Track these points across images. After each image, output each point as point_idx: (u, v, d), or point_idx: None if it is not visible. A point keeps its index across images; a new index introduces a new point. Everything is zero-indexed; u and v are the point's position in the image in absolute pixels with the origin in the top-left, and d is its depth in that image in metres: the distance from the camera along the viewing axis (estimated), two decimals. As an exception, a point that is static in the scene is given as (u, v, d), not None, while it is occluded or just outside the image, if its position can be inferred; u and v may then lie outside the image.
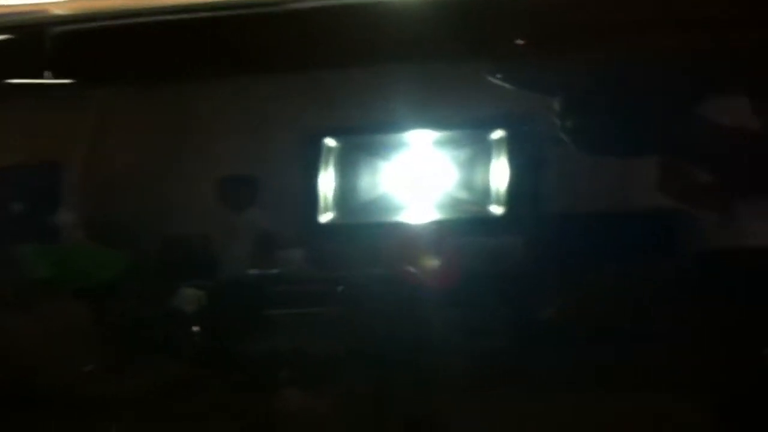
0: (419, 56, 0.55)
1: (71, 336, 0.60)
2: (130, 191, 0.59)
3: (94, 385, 0.59)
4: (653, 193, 0.51)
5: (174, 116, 0.59)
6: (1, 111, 0.62)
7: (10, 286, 0.60)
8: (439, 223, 0.54)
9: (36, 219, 0.60)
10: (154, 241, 0.58)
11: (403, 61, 0.55)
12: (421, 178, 0.54)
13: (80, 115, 0.59)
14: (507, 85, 0.53)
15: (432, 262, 0.54)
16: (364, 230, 0.55)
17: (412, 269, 0.53)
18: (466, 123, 0.55)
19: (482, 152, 0.53)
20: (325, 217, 0.54)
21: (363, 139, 0.55)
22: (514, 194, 0.52)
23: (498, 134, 0.52)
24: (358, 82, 0.56)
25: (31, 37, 0.59)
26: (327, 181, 0.54)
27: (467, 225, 0.54)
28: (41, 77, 0.58)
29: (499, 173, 0.52)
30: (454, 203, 0.53)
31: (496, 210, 0.52)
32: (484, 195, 0.52)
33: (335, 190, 0.54)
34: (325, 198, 0.54)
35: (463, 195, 0.53)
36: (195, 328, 0.57)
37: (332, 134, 0.55)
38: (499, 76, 0.53)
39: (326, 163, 0.54)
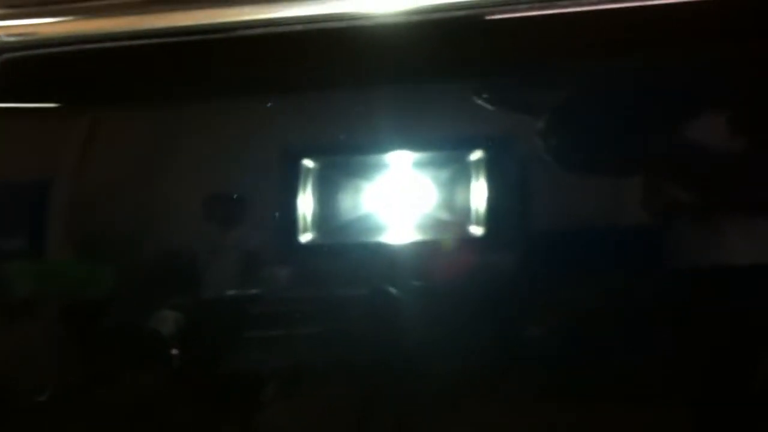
0: (399, 77, 0.55)
1: (50, 353, 0.59)
2: (113, 211, 0.58)
3: (69, 405, 0.58)
4: (634, 210, 0.52)
5: (157, 138, 0.59)
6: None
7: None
8: (419, 244, 0.54)
9: (17, 236, 0.60)
10: (134, 261, 0.58)
11: (383, 82, 0.56)
12: (402, 198, 0.54)
13: (67, 134, 0.59)
14: (487, 106, 0.53)
15: (413, 283, 0.54)
16: (345, 251, 0.55)
17: (392, 289, 0.53)
18: (445, 144, 0.55)
19: (462, 173, 0.53)
20: (305, 238, 0.54)
21: (344, 160, 0.55)
22: (494, 214, 0.52)
23: (477, 155, 0.53)
24: (338, 103, 0.56)
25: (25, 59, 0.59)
26: (307, 202, 0.54)
27: (448, 245, 0.54)
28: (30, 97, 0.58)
29: (479, 194, 0.52)
30: (435, 223, 0.54)
31: (477, 230, 0.52)
32: (465, 215, 0.53)
33: (316, 211, 0.54)
34: (306, 218, 0.54)
35: (443, 215, 0.53)
36: (174, 351, 0.56)
37: (313, 155, 0.55)
38: (479, 96, 0.53)
39: (307, 184, 0.54)
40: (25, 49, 0.58)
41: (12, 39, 0.58)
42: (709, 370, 0.51)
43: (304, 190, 0.54)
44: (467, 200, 0.53)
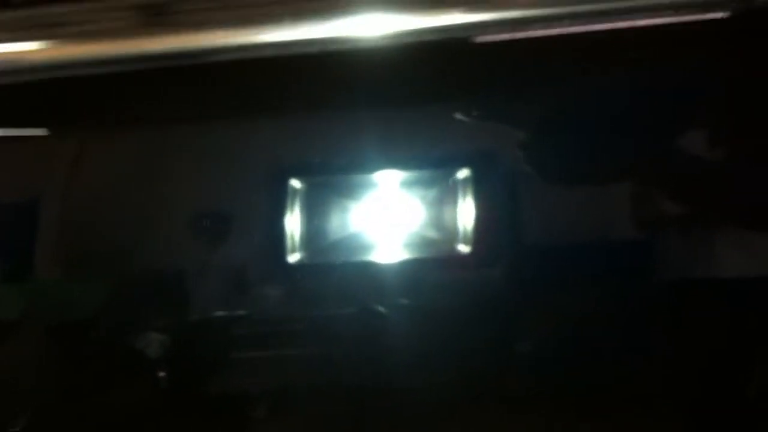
0: (385, 98, 0.56)
1: (34, 374, 0.58)
2: (100, 232, 0.58)
3: (53, 427, 0.57)
4: (622, 223, 0.53)
5: (145, 159, 0.58)
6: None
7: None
8: (407, 262, 0.54)
9: (2, 257, 0.59)
10: (121, 281, 0.57)
11: (370, 103, 0.56)
12: (389, 217, 0.54)
13: (53, 156, 0.59)
14: (471, 124, 0.54)
15: (401, 301, 0.54)
16: (333, 270, 0.55)
17: (381, 308, 0.53)
18: (431, 163, 0.55)
19: (448, 191, 0.54)
20: (293, 257, 0.54)
21: (331, 179, 0.56)
22: (481, 232, 0.53)
23: (464, 173, 0.53)
24: (326, 123, 0.57)
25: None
26: (295, 222, 0.54)
27: (435, 263, 0.54)
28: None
29: (466, 211, 0.53)
30: (422, 242, 0.54)
31: (464, 248, 0.53)
32: (452, 233, 0.53)
33: (304, 231, 0.54)
34: (294, 238, 0.54)
35: (430, 233, 0.54)
36: (161, 373, 0.56)
37: (300, 175, 0.55)
38: (463, 115, 0.54)
39: (295, 204, 0.54)
40: (9, 74, 0.58)
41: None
42: (698, 379, 0.52)
43: (292, 210, 0.55)
44: (454, 218, 0.53)
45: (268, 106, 0.58)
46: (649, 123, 0.53)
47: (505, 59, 0.56)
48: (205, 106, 0.58)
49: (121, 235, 0.58)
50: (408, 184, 0.55)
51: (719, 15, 0.52)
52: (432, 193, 0.54)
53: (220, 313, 0.56)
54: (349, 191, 0.55)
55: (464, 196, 0.53)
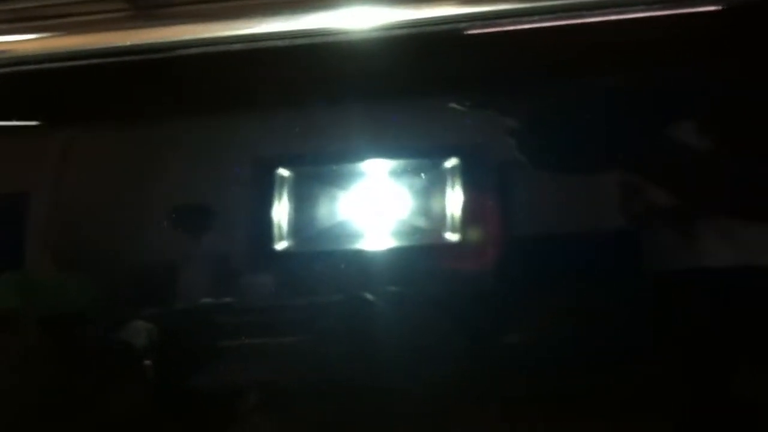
0: (373, 87, 0.56)
1: (23, 366, 0.58)
2: (88, 224, 0.58)
3: (42, 417, 0.57)
4: (612, 215, 0.53)
5: (133, 151, 0.58)
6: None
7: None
8: (395, 250, 0.54)
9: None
10: (109, 273, 0.57)
11: (358, 92, 0.56)
12: (377, 206, 0.55)
13: (42, 150, 0.59)
14: (460, 113, 0.54)
15: (389, 289, 0.54)
16: (321, 258, 0.55)
17: (369, 296, 0.54)
18: (420, 151, 0.56)
19: (437, 179, 0.54)
20: (281, 246, 0.54)
21: (319, 168, 0.56)
22: (469, 220, 0.53)
23: (452, 162, 0.54)
24: (314, 112, 0.57)
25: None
26: (283, 211, 0.54)
27: (423, 251, 0.54)
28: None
29: (454, 200, 0.53)
30: (410, 230, 0.54)
31: (452, 236, 0.53)
32: (440, 221, 0.53)
33: (292, 219, 0.54)
34: (281, 227, 0.54)
35: (418, 222, 0.54)
36: (147, 362, 0.56)
37: (288, 164, 0.55)
38: (452, 104, 0.54)
39: (282, 193, 0.54)
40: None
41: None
42: (687, 374, 0.52)
43: (280, 198, 0.55)
44: (442, 206, 0.53)
45: (256, 96, 0.58)
46: (639, 114, 0.53)
47: (493, 50, 0.56)
48: (194, 96, 0.58)
49: (109, 226, 0.58)
50: (396, 173, 0.55)
51: (713, 7, 0.53)
52: (420, 181, 0.54)
53: (208, 302, 0.56)
54: (337, 180, 0.55)
55: (452, 184, 0.53)
